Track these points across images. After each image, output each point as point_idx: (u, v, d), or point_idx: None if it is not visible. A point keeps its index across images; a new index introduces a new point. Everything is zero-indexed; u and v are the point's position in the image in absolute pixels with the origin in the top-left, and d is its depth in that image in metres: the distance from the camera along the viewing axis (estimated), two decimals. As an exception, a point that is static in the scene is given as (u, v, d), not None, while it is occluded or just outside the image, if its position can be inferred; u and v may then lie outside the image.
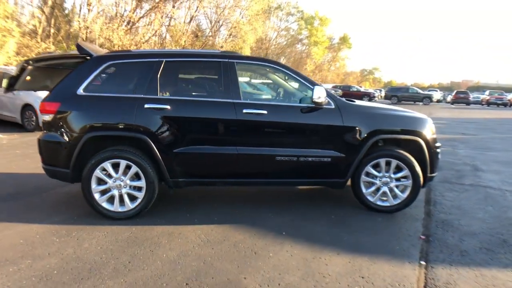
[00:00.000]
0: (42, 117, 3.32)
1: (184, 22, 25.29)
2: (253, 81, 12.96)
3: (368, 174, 3.62)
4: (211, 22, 28.11)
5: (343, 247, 2.84)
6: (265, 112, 3.35)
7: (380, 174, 3.60)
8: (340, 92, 29.86)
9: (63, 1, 20.44)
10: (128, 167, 3.24)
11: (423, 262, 2.62)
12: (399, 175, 3.58)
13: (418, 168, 3.53)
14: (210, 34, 28.47)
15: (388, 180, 3.60)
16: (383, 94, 37.04)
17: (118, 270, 2.42)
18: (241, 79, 4.75)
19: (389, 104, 13.33)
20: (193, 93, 3.56)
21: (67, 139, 3.20)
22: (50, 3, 16.89)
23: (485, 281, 2.39)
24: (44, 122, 3.29)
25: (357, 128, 3.48)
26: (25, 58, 15.12)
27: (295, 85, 4.09)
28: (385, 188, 3.62)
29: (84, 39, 15.92)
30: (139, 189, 3.28)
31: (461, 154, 7.15)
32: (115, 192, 3.26)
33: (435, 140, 3.76)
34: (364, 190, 3.64)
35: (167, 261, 2.56)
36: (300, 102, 3.51)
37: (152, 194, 3.28)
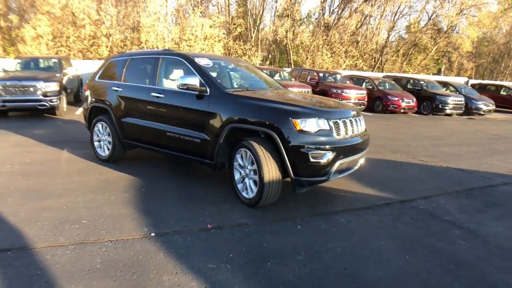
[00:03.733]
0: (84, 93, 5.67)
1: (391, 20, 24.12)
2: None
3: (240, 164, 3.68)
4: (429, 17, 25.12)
5: (136, 205, 3.48)
6: (162, 95, 4.20)
7: (243, 164, 3.59)
8: None
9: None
10: (105, 128, 5.03)
11: (152, 234, 2.91)
12: (253, 167, 3.43)
13: (265, 164, 3.29)
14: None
15: (247, 171, 3.53)
16: None
17: (36, 172, 4.29)
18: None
19: None
20: (137, 80, 4.80)
21: (87, 106, 5.38)
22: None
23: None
24: (85, 97, 5.63)
25: (217, 115, 3.67)
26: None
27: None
28: (247, 180, 3.57)
29: (271, 39, 19.20)
30: (110, 143, 5.02)
31: None
32: (101, 143, 5.15)
33: (308, 139, 3.22)
34: (235, 177, 3.73)
35: (60, 176, 4.20)
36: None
37: (114, 148, 4.91)
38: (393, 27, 23.03)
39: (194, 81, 3.81)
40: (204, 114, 3.81)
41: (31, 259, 2.48)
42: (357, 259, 2.64)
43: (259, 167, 3.32)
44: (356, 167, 3.95)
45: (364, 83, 15.29)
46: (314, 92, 13.49)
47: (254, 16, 21.31)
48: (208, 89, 3.85)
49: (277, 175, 3.35)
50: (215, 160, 3.79)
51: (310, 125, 3.28)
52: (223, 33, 18.45)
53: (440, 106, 13.81)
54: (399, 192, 4.21)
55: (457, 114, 14.32)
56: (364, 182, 4.54)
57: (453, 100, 13.81)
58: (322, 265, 2.53)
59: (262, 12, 21.15)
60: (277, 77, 14.38)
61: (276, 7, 21.18)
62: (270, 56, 23.99)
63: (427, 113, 14.07)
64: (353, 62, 21.19)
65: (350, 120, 3.65)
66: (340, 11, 23.75)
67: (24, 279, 2.27)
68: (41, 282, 2.24)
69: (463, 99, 14.16)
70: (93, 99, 5.21)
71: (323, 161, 3.28)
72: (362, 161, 4.12)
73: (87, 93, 5.44)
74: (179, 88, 3.88)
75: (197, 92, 3.89)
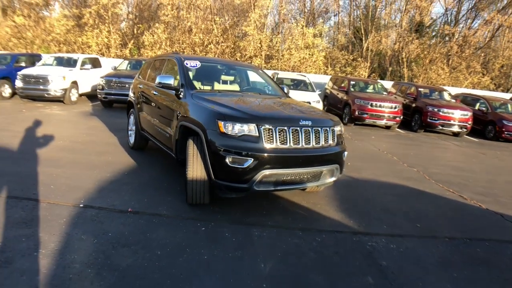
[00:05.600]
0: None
1: None
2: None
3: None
4: None
5: (103, 183, 4.00)
6: (156, 93, 4.68)
7: (191, 160, 3.71)
8: None
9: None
10: (133, 120, 5.87)
11: (81, 205, 3.37)
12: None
13: (191, 162, 3.38)
14: None
15: (188, 169, 3.64)
16: None
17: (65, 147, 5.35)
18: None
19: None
20: (152, 79, 5.37)
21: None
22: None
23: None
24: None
25: (178, 112, 3.89)
26: (333, 68, 19.65)
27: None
28: (189, 176, 3.68)
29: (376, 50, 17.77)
30: (135, 133, 5.83)
31: None
32: (131, 133, 6.02)
33: (229, 142, 3.13)
34: (187, 174, 3.89)
35: (83, 154, 5.12)
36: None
37: (135, 137, 5.69)
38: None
39: (169, 80, 4.14)
40: (172, 111, 4.11)
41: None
42: (206, 270, 2.47)
43: (187, 164, 3.40)
44: (315, 183, 3.56)
45: (478, 104, 12.77)
46: (408, 108, 12.14)
47: (364, 25, 20.30)
48: (181, 89, 4.12)
49: (202, 175, 3.36)
50: (176, 155, 4.03)
51: (234, 128, 3.17)
52: (326, 43, 18.23)
53: None
54: (369, 224, 3.54)
55: None
56: (344, 206, 3.99)
57: None
58: (164, 263, 2.51)
59: (372, 22, 19.92)
60: (370, 89, 13.43)
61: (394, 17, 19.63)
62: (390, 68, 22.33)
63: None
64: (477, 79, 17.66)
65: (296, 130, 3.31)
66: (469, 21, 20.28)
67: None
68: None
69: None
70: (130, 94, 6.15)
71: (243, 167, 3.12)
72: (330, 179, 3.66)
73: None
74: (156, 86, 4.29)
75: (174, 91, 4.21)
